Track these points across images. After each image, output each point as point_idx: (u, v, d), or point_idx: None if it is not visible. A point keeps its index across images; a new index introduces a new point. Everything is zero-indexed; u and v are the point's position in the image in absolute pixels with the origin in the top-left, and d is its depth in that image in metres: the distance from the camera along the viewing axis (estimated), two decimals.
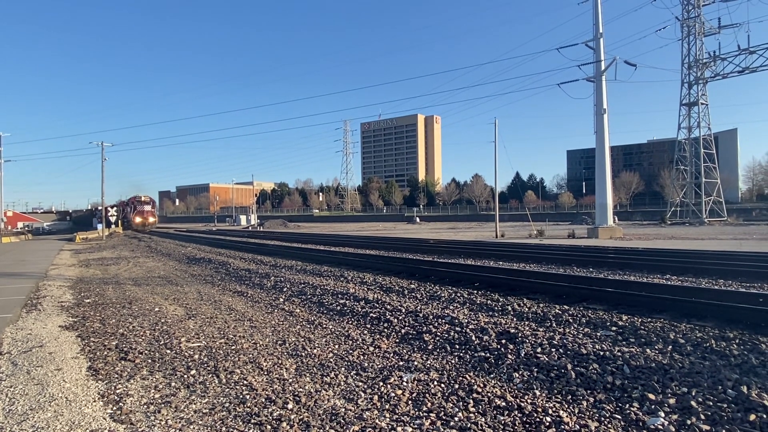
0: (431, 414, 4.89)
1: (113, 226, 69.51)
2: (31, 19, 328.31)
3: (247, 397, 5.56)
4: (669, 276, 13.53)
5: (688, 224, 55.04)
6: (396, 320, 8.89)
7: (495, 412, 4.89)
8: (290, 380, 6.11)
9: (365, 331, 8.54)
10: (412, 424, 4.68)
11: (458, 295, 10.77)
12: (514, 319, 8.38)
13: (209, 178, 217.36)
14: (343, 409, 5.09)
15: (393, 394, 5.46)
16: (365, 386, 5.80)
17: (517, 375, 5.90)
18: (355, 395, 5.52)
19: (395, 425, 4.66)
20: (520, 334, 7.19)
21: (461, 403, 5.15)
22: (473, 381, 5.75)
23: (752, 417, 4.39)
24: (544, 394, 5.29)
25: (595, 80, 35.13)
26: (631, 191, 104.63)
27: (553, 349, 6.50)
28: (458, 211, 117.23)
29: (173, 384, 6.11)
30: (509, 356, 6.50)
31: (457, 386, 5.63)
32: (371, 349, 7.44)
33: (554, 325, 7.86)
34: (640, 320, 7.70)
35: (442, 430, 4.54)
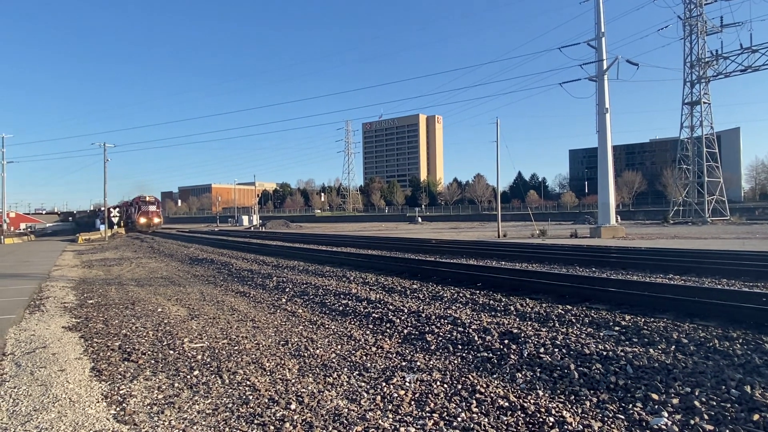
0: (434, 414, 4.89)
1: (115, 227, 69.55)
2: (34, 19, 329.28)
3: (250, 397, 5.57)
4: (672, 276, 13.50)
5: (691, 223, 54.93)
6: (398, 320, 8.89)
7: (498, 412, 4.88)
8: (293, 381, 6.12)
9: (368, 332, 8.55)
10: (415, 425, 4.68)
11: (461, 295, 10.77)
12: (517, 319, 8.38)
13: (211, 179, 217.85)
14: (346, 410, 5.09)
15: (396, 395, 5.46)
16: (368, 387, 5.81)
17: (520, 375, 5.89)
18: (357, 396, 5.52)
19: (398, 426, 4.66)
20: (522, 335, 7.18)
21: (464, 403, 5.15)
22: (476, 381, 5.75)
23: (756, 417, 4.38)
24: (547, 395, 5.28)
25: (597, 79, 35.08)
26: (633, 191, 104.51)
27: (556, 350, 6.49)
28: (460, 211, 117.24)
29: (176, 385, 6.12)
30: (512, 356, 6.50)
31: (460, 386, 5.63)
32: (374, 349, 7.44)
33: (557, 325, 7.85)
34: (643, 320, 7.68)
35: (446, 430, 4.53)
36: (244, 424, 4.85)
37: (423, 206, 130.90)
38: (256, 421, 4.89)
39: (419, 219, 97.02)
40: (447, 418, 4.81)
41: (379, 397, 5.43)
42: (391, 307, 9.90)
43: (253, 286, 14.71)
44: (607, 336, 7.04)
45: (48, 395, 5.77)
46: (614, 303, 9.33)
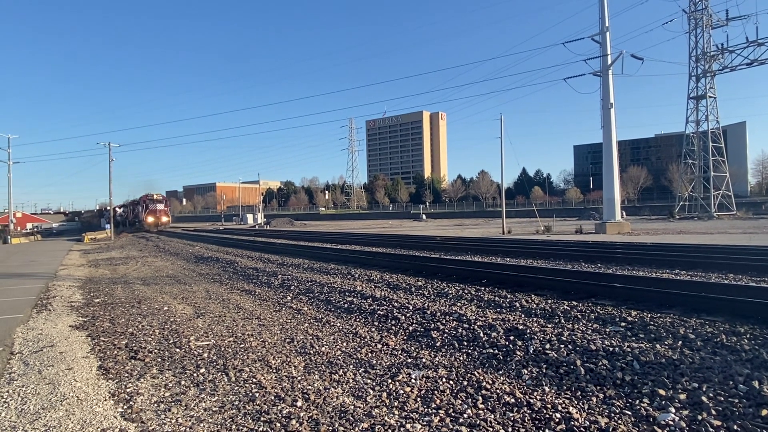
0: (440, 411, 4.89)
1: (121, 226, 69.80)
2: (38, 21, 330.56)
3: (257, 395, 5.58)
4: (678, 271, 13.44)
5: (697, 219, 54.65)
6: (404, 317, 8.89)
7: (504, 408, 4.88)
8: (299, 378, 6.13)
9: (373, 329, 8.55)
10: (421, 421, 4.68)
11: (466, 291, 10.76)
12: (523, 316, 8.36)
13: (216, 178, 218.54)
14: (352, 407, 5.10)
15: (402, 392, 5.46)
16: (374, 383, 5.81)
17: (526, 371, 5.88)
18: (363, 392, 5.53)
19: (404, 422, 4.66)
20: (528, 331, 7.17)
21: (470, 399, 5.15)
22: (482, 378, 5.74)
23: (764, 412, 4.35)
24: (553, 391, 5.27)
25: (601, 74, 34.91)
26: (638, 186, 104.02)
27: (562, 346, 6.47)
28: (464, 207, 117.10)
29: (183, 382, 6.14)
30: (518, 353, 6.49)
31: (465, 383, 5.62)
32: (379, 346, 7.45)
33: (563, 321, 7.83)
34: (649, 316, 7.65)
35: (452, 427, 4.53)
36: (250, 421, 4.87)
37: (427, 203, 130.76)
38: (262, 419, 4.90)
39: (423, 216, 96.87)
40: (453, 414, 4.81)
41: (384, 394, 5.43)
42: (396, 304, 9.90)
43: (259, 284, 14.74)
44: (613, 332, 7.01)
45: (56, 394, 5.81)
46: (620, 299, 9.29)
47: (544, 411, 4.71)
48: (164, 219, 68.90)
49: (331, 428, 4.62)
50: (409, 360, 6.65)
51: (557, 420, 4.51)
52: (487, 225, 56.56)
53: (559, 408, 4.75)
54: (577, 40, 36.14)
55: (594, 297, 9.69)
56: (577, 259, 16.94)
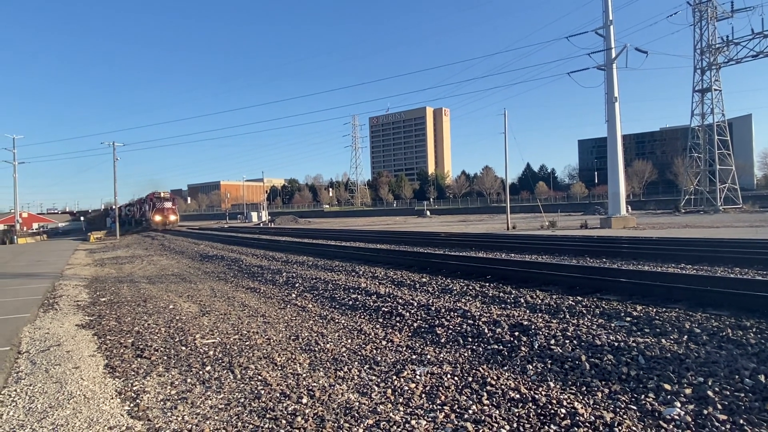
0: (445, 407, 4.90)
1: (127, 225, 69.90)
2: (41, 22, 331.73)
3: (262, 392, 5.60)
4: (684, 265, 13.38)
5: (703, 212, 54.38)
6: (408, 314, 8.89)
7: (509, 404, 4.88)
8: (304, 375, 6.15)
9: (377, 326, 8.56)
10: (426, 418, 4.69)
11: (470, 288, 10.75)
12: (527, 312, 8.35)
13: (220, 176, 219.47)
14: (357, 403, 5.11)
15: (406, 388, 5.47)
16: (379, 380, 5.82)
17: (531, 367, 5.88)
18: (368, 389, 5.54)
19: (409, 419, 4.67)
20: (533, 326, 7.16)
21: (475, 396, 5.15)
22: (487, 374, 5.74)
23: None
24: (558, 386, 5.26)
25: (605, 68, 34.70)
26: (644, 180, 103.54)
27: (567, 341, 6.46)
28: (469, 203, 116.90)
29: (189, 380, 6.18)
30: (523, 348, 6.48)
31: (470, 379, 5.63)
32: (384, 343, 7.46)
33: (568, 316, 7.81)
34: (654, 310, 7.63)
35: (457, 423, 4.54)
36: (256, 418, 4.89)
37: (431, 199, 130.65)
38: (268, 416, 4.92)
39: (428, 212, 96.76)
40: (458, 410, 4.81)
41: (389, 391, 5.44)
42: (400, 300, 9.91)
43: (263, 281, 14.78)
44: (618, 327, 6.99)
45: (63, 392, 5.85)
46: (625, 293, 9.26)
47: (550, 406, 4.71)
48: (172, 218, 66.21)
49: (336, 425, 4.64)
50: (414, 356, 6.66)
51: (562, 415, 4.51)
52: (492, 221, 56.48)
53: (565, 403, 4.75)
54: (581, 34, 35.90)
55: (599, 292, 9.66)
56: (582, 255, 16.89)
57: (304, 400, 5.28)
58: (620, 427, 4.20)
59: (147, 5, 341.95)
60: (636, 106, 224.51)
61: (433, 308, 8.97)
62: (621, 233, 26.98)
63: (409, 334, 7.92)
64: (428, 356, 6.60)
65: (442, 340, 7.33)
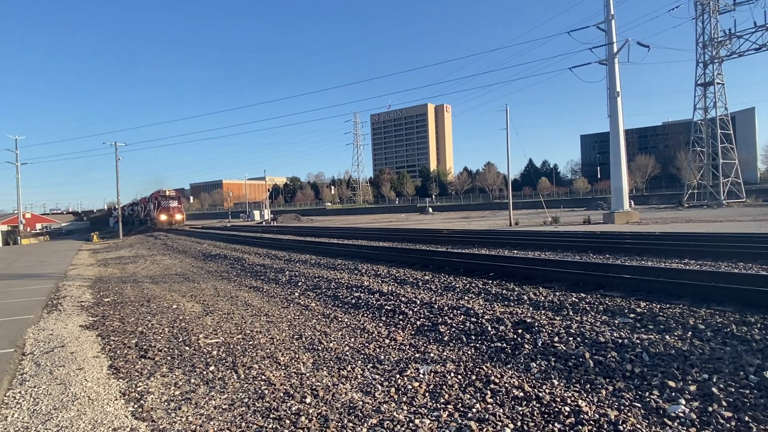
0: (449, 405, 4.89)
1: (130, 225, 69.93)
2: (42, 22, 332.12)
3: (266, 392, 5.61)
4: (687, 260, 13.34)
5: (706, 207, 54.20)
6: (411, 312, 8.89)
7: (513, 402, 4.87)
8: (308, 374, 6.15)
9: (380, 324, 8.56)
10: (429, 416, 4.68)
11: (473, 285, 10.73)
12: (530, 309, 8.33)
13: (222, 175, 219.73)
14: (361, 402, 5.11)
15: (410, 387, 5.46)
16: (382, 379, 5.82)
17: (535, 365, 5.86)
18: (372, 388, 5.54)
19: (413, 417, 4.67)
20: (536, 324, 7.14)
21: (479, 394, 5.14)
22: (490, 372, 5.73)
23: None
24: (562, 384, 5.25)
25: (607, 63, 34.59)
26: (646, 175, 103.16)
27: (571, 338, 6.44)
28: (471, 200, 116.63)
29: (193, 381, 6.18)
30: (526, 346, 6.47)
31: (474, 377, 5.62)
32: (387, 341, 7.46)
33: (571, 313, 7.79)
34: (658, 306, 7.60)
35: (460, 421, 4.53)
36: (260, 418, 4.89)
37: (433, 196, 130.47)
38: (271, 416, 4.92)
39: (430, 209, 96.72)
40: (462, 409, 4.80)
41: (393, 390, 5.44)
42: (403, 298, 9.90)
43: (266, 280, 14.80)
44: (622, 323, 6.97)
45: (67, 394, 5.87)
46: (629, 290, 9.23)
47: (553, 404, 4.70)
48: (178, 217, 63.68)
49: (340, 424, 4.64)
50: (417, 355, 6.66)
51: (566, 413, 4.50)
52: (494, 217, 56.40)
53: (568, 401, 4.74)
54: (583, 29, 35.76)
55: (602, 288, 9.64)
56: (585, 250, 16.86)
57: (308, 400, 5.28)
58: (624, 425, 4.18)
59: (148, 5, 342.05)
60: (638, 100, 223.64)
61: (436, 306, 8.97)
62: (624, 228, 26.91)
63: (413, 332, 7.91)
64: (431, 355, 6.60)
65: (446, 339, 7.32)
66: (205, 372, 6.50)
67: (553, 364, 5.82)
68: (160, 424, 4.89)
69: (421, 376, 5.80)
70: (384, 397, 5.25)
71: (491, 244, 21.13)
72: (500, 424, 4.42)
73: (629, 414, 4.43)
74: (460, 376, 5.69)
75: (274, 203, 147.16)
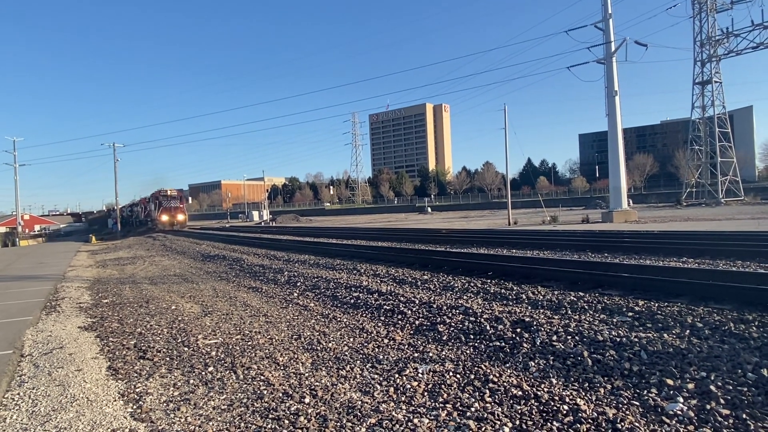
0: (447, 405, 4.90)
1: (128, 226, 69.78)
2: (39, 22, 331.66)
3: (265, 392, 5.61)
4: (686, 259, 13.36)
5: (705, 205, 54.28)
6: (410, 312, 8.89)
7: (512, 401, 4.88)
8: (306, 374, 6.16)
9: (379, 324, 8.56)
10: (428, 416, 4.69)
11: (472, 284, 10.74)
12: (529, 308, 8.34)
13: (221, 175, 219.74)
14: (360, 402, 5.11)
15: (409, 386, 5.47)
16: (381, 379, 5.82)
17: (533, 364, 5.87)
18: (371, 388, 5.54)
19: (412, 417, 4.67)
20: (535, 323, 7.15)
21: (477, 393, 5.15)
22: (489, 371, 5.74)
23: None
24: (560, 382, 5.26)
25: (605, 62, 34.63)
26: (645, 173, 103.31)
27: (569, 337, 6.45)
28: (470, 199, 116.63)
29: (192, 381, 6.18)
30: (525, 345, 6.48)
31: (472, 376, 5.62)
32: (386, 341, 7.46)
33: (569, 312, 7.80)
34: (656, 305, 7.61)
35: (459, 421, 4.53)
36: (258, 418, 4.89)
37: (432, 196, 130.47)
38: (270, 416, 4.93)
39: (429, 209, 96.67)
40: (460, 408, 4.81)
41: (392, 389, 5.44)
42: (402, 298, 9.91)
43: (265, 281, 14.79)
44: (620, 322, 6.99)
45: (66, 395, 5.86)
46: (627, 288, 9.25)
47: (552, 403, 4.71)
48: (180, 217, 61.20)
49: (339, 424, 4.64)
50: (416, 354, 6.66)
51: (565, 412, 4.50)
52: (493, 216, 56.43)
53: (567, 400, 4.74)
54: (581, 28, 35.80)
55: (601, 287, 9.65)
56: (584, 249, 16.87)
57: (307, 400, 5.28)
58: (623, 423, 4.19)
59: (147, 5, 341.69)
60: (636, 99, 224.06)
61: (434, 306, 8.97)
62: (623, 227, 26.94)
63: (411, 332, 7.92)
64: (430, 354, 6.60)
65: (444, 338, 7.33)
66: (204, 372, 6.50)
67: (551, 362, 5.83)
68: (159, 425, 4.89)
69: (420, 375, 5.80)
70: (383, 397, 5.25)
71: (490, 243, 21.14)
72: (499, 423, 4.42)
73: (627, 412, 4.43)
74: (458, 376, 5.70)
75: (273, 204, 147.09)
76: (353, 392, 5.45)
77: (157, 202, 61.16)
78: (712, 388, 4.65)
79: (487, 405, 4.83)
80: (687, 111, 64.24)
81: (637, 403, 4.60)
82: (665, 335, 6.13)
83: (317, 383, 5.80)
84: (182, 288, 14.86)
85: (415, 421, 4.58)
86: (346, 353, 6.96)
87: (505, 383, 5.32)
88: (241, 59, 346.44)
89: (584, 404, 4.62)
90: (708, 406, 4.36)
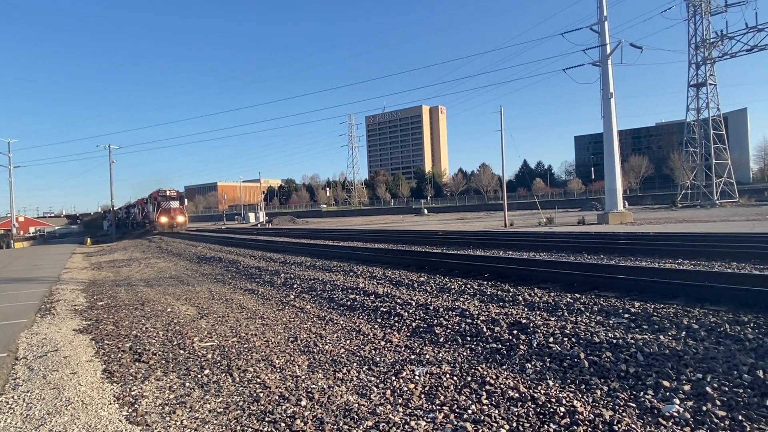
0: (444, 407, 4.89)
1: (123, 228, 69.50)
2: (36, 22, 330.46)
3: (261, 395, 5.59)
4: (681, 260, 13.40)
5: (700, 207, 54.53)
6: (406, 314, 8.88)
7: (508, 403, 4.87)
8: (303, 377, 6.14)
9: (376, 326, 8.55)
10: (425, 418, 4.68)
11: (468, 286, 10.74)
12: (526, 309, 8.34)
13: (217, 177, 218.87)
14: (357, 405, 5.10)
15: (405, 388, 5.46)
16: (378, 381, 5.81)
17: (530, 365, 5.87)
18: (367, 390, 5.53)
19: (408, 419, 4.66)
20: (531, 325, 7.16)
21: (474, 395, 5.14)
22: (486, 373, 5.74)
23: None
24: (557, 384, 5.26)
25: (600, 64, 34.77)
26: (640, 175, 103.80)
27: (566, 339, 6.46)
28: (466, 201, 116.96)
29: (187, 384, 6.15)
30: (521, 347, 6.48)
31: (469, 378, 5.62)
32: (382, 343, 7.45)
33: (566, 314, 7.81)
34: (652, 306, 7.63)
35: (456, 423, 4.53)
36: (255, 422, 4.87)
37: (428, 198, 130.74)
38: (267, 419, 4.91)
39: (425, 211, 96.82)
40: (457, 410, 4.80)
41: (389, 391, 5.43)
42: (398, 300, 9.90)
43: (261, 283, 14.76)
44: (616, 324, 7.00)
45: (60, 398, 5.82)
46: (623, 290, 9.26)
47: (549, 405, 4.71)
48: (180, 219, 59.01)
49: (335, 427, 4.63)
50: (413, 356, 6.65)
51: (561, 414, 4.50)
52: (489, 218, 56.52)
53: (564, 402, 4.75)
54: (576, 31, 35.98)
55: (597, 289, 9.66)
56: (580, 251, 16.90)
57: (303, 403, 5.27)
58: (619, 425, 4.20)
59: (144, 5, 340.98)
60: (632, 101, 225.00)
61: (431, 308, 8.97)
62: (618, 229, 27.02)
63: (408, 334, 7.91)
64: (427, 356, 6.59)
65: (441, 340, 7.32)
66: (199, 375, 6.47)
67: (548, 364, 5.83)
68: (155, 428, 4.86)
69: (417, 377, 5.79)
70: (380, 399, 5.24)
71: (486, 245, 21.15)
72: (496, 425, 4.42)
73: (624, 414, 4.44)
74: (455, 378, 5.69)
75: (269, 205, 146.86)
76: (350, 395, 5.44)
77: (156, 203, 58.85)
78: (708, 389, 4.66)
79: (484, 407, 4.83)
80: (682, 113, 64.69)
81: (634, 405, 4.60)
82: (661, 337, 6.15)
83: (314, 386, 5.78)
84: (178, 290, 14.81)
85: (412, 423, 4.57)
86: (343, 355, 6.95)
87: (501, 385, 5.32)
88: (238, 61, 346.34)
89: (581, 406, 4.62)
90: (704, 408, 4.37)
